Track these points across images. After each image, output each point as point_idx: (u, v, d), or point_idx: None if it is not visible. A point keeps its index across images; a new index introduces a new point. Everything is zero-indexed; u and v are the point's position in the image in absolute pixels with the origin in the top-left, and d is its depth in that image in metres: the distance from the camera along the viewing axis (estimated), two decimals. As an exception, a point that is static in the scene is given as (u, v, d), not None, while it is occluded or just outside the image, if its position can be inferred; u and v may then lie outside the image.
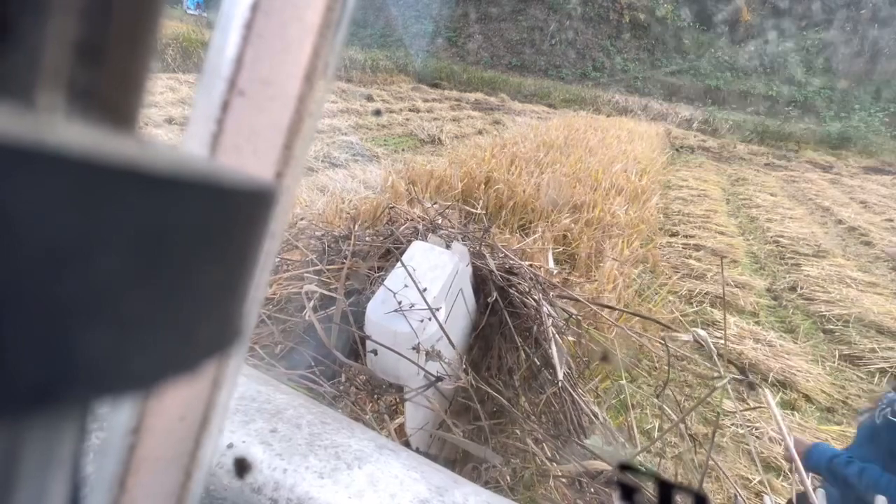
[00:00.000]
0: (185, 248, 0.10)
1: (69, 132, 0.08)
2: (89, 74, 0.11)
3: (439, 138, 7.78)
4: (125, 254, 0.09)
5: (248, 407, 0.42)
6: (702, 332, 0.73)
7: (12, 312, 0.08)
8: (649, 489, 0.50)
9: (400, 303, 0.68)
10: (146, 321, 0.10)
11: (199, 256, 0.11)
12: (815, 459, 1.02)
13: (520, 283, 0.88)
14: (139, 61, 0.13)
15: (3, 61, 0.10)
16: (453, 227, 1.02)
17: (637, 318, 2.20)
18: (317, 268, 0.87)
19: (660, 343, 1.07)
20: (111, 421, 0.20)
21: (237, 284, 0.12)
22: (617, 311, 2.09)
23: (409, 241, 0.87)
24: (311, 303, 0.74)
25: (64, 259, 0.08)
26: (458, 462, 0.77)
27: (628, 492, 0.25)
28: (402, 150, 6.93)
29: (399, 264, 0.75)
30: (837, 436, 2.47)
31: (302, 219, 1.05)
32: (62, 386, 0.09)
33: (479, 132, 8.92)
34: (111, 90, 0.12)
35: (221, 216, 0.11)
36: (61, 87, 0.11)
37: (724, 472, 0.78)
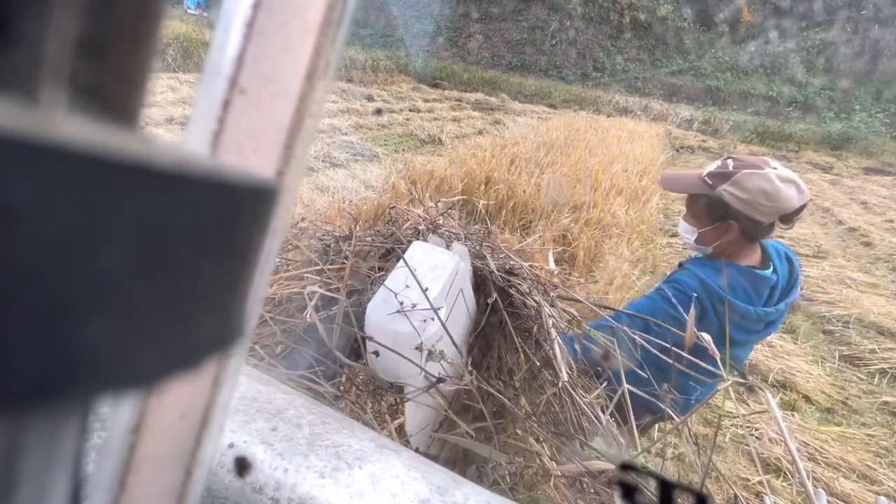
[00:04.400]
0: (187, 244, 0.10)
1: (72, 128, 0.08)
2: (91, 71, 0.11)
3: (440, 138, 7.79)
4: (127, 249, 0.09)
5: (249, 406, 0.42)
6: (705, 335, 0.73)
7: (14, 307, 0.08)
8: (651, 489, 0.50)
9: (401, 303, 0.68)
10: (148, 317, 0.10)
11: (201, 253, 0.11)
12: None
13: (520, 284, 0.87)
14: (141, 59, 0.13)
15: (5, 57, 0.10)
16: (454, 228, 1.01)
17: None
18: (318, 268, 0.87)
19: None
20: (111, 419, 0.20)
21: (238, 282, 0.12)
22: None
23: (410, 241, 0.87)
24: (313, 302, 0.74)
25: (66, 254, 0.08)
26: (458, 462, 0.77)
27: (630, 491, 0.25)
28: (403, 150, 6.93)
29: (399, 264, 0.75)
30: (837, 436, 2.47)
31: (303, 219, 1.04)
32: (64, 382, 0.09)
33: (480, 132, 8.92)
34: (113, 87, 0.12)
35: (223, 213, 0.11)
36: (63, 84, 0.11)
37: (722, 474, 0.78)
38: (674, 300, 1.11)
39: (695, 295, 1.14)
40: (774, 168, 1.12)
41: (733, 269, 1.20)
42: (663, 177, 1.29)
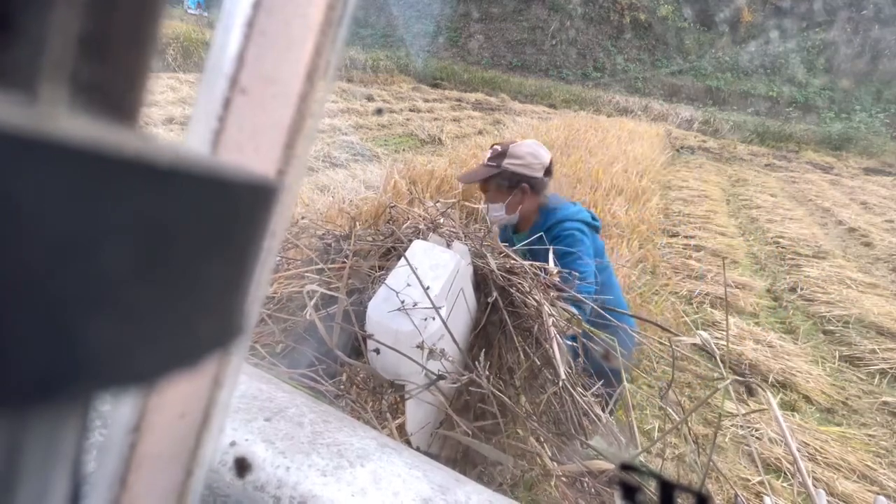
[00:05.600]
0: (188, 242, 0.10)
1: (72, 125, 0.08)
2: (92, 69, 0.11)
3: (440, 138, 7.78)
4: (128, 247, 0.09)
5: (250, 405, 0.42)
6: (704, 335, 0.73)
7: (14, 305, 0.08)
8: (651, 489, 0.50)
9: (402, 301, 0.68)
10: (148, 315, 0.10)
11: (202, 251, 0.11)
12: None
13: (520, 283, 0.87)
14: (141, 57, 0.13)
15: (6, 54, 0.10)
16: (454, 227, 1.01)
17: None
18: (318, 267, 0.87)
19: (659, 343, 1.07)
20: (112, 418, 0.20)
21: (239, 280, 0.12)
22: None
23: (411, 241, 0.87)
24: (313, 301, 0.74)
25: (66, 251, 0.08)
26: (458, 462, 0.77)
27: (630, 491, 0.25)
28: (403, 150, 6.93)
29: (400, 263, 0.75)
30: (837, 437, 2.47)
31: (303, 218, 1.05)
32: (64, 380, 0.09)
33: (480, 132, 8.92)
34: (113, 85, 0.12)
35: (223, 211, 0.11)
36: (64, 81, 0.11)
37: (722, 474, 0.78)
38: (586, 257, 1.34)
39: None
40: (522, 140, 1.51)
41: (556, 201, 1.51)
42: (459, 177, 1.61)
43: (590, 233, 1.44)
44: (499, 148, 1.48)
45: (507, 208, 1.48)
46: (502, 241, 1.50)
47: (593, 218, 1.49)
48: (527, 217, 1.52)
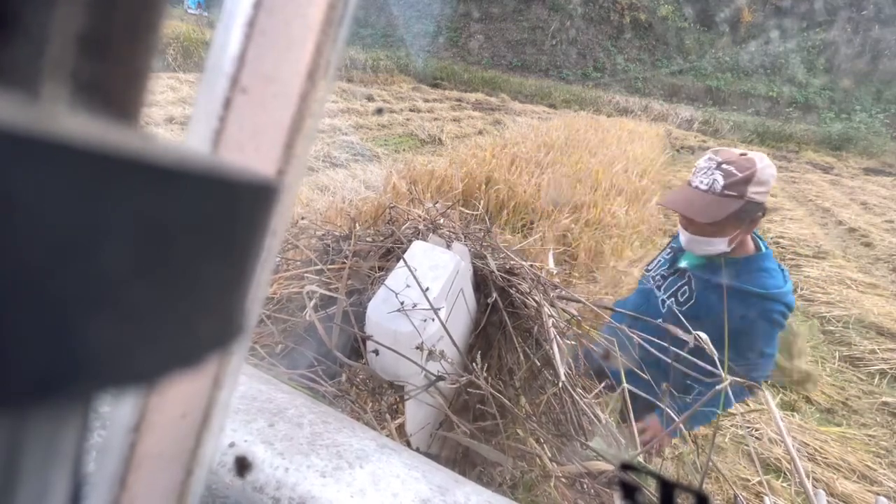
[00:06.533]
0: (188, 241, 0.10)
1: (73, 124, 0.08)
2: (93, 67, 0.11)
3: (440, 138, 7.78)
4: (128, 246, 0.09)
5: (250, 406, 0.42)
6: (704, 335, 0.73)
7: (14, 304, 0.08)
8: (651, 489, 0.50)
9: (402, 303, 0.68)
10: (148, 314, 0.10)
11: (202, 250, 0.11)
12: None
13: (520, 284, 0.87)
14: (142, 56, 0.13)
15: (7, 52, 0.10)
16: (454, 228, 1.01)
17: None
18: (317, 267, 0.87)
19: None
20: (112, 418, 0.20)
21: (239, 279, 0.12)
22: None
23: (410, 241, 0.87)
24: (312, 302, 0.74)
25: (67, 250, 0.08)
26: (458, 462, 0.77)
27: (630, 491, 0.25)
28: (403, 150, 6.93)
29: (399, 264, 0.75)
30: (837, 437, 2.47)
31: (303, 218, 1.04)
32: (64, 379, 0.08)
33: (480, 132, 8.92)
34: (114, 84, 0.12)
35: (223, 210, 0.11)
36: (65, 80, 0.11)
37: (722, 474, 0.78)
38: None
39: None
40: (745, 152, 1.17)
41: (771, 263, 1.21)
42: (695, 210, 1.16)
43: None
44: (735, 171, 1.12)
45: (729, 242, 1.18)
46: (673, 251, 1.34)
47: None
48: (737, 247, 1.24)
